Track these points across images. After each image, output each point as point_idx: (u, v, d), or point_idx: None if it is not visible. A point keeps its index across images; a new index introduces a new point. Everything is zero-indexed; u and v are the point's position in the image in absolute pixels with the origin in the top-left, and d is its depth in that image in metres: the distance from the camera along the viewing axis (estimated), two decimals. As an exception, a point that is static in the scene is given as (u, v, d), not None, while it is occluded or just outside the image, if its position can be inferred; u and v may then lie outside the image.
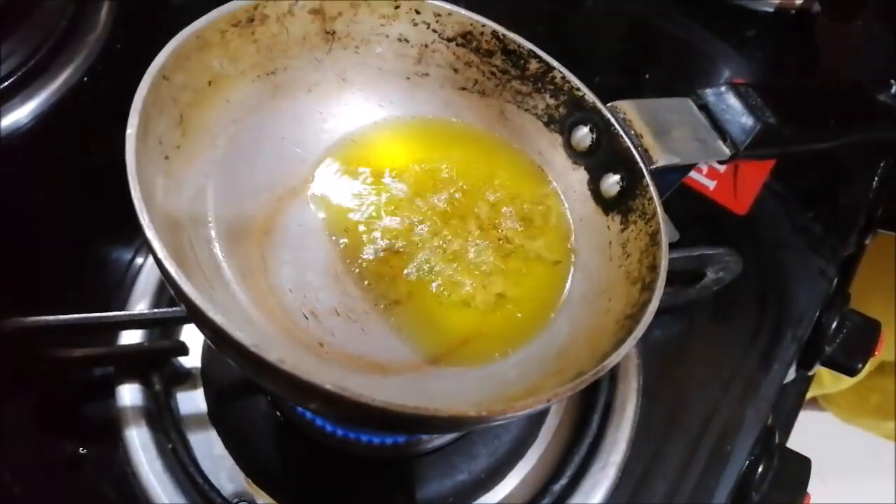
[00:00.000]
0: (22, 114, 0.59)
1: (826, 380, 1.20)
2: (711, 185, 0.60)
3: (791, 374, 0.59)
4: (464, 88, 0.47)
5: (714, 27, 0.70)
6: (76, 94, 0.60)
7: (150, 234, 0.29)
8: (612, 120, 0.42)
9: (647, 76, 0.67)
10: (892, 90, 0.55)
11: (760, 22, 0.71)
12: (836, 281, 0.59)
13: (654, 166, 0.41)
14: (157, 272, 0.53)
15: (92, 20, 0.63)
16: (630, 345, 0.33)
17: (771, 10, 0.72)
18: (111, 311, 0.51)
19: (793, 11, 0.71)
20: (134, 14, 0.64)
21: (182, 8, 0.63)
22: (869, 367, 1.12)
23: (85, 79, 0.60)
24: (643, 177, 0.40)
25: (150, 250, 0.29)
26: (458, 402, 0.37)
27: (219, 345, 0.30)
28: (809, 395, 1.30)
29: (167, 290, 0.53)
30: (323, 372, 0.37)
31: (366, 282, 0.41)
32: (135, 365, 0.49)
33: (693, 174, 0.61)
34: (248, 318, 0.36)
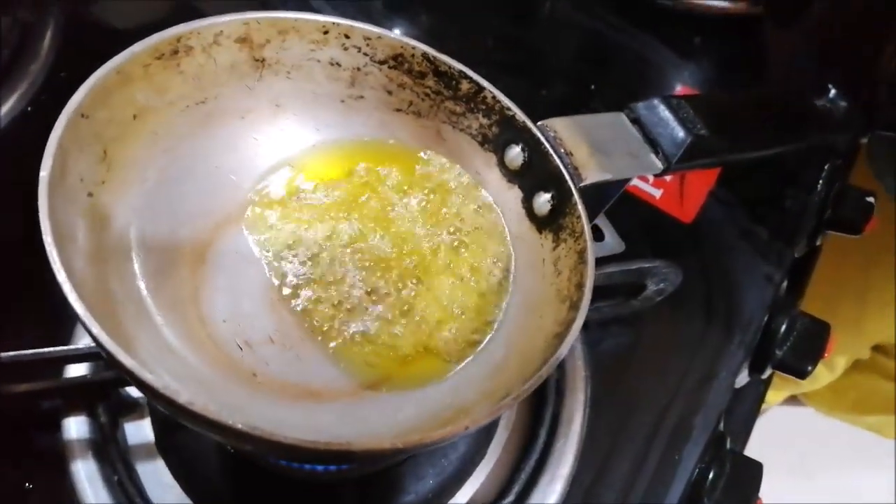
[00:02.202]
0: (-34, 145, 0.58)
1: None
2: (658, 193, 0.61)
3: (744, 379, 0.60)
4: (399, 110, 0.47)
5: (661, 35, 0.71)
6: (20, 123, 0.60)
7: (60, 276, 0.29)
8: (542, 138, 0.42)
9: (593, 87, 0.67)
10: (831, 95, 0.56)
11: (707, 29, 0.72)
12: (784, 284, 0.60)
13: (584, 184, 0.41)
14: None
15: (35, 49, 0.62)
16: (551, 368, 0.33)
17: (718, 16, 0.72)
18: (56, 341, 0.50)
19: (739, 18, 0.72)
20: (77, 42, 0.63)
21: (126, 34, 0.63)
22: (844, 364, 1.13)
23: (29, 108, 0.60)
24: (572, 195, 0.41)
25: (63, 293, 0.29)
26: (393, 427, 0.37)
27: (136, 384, 0.30)
28: (788, 393, 1.32)
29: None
30: (253, 403, 0.37)
31: (300, 309, 0.41)
32: (81, 396, 0.49)
33: (639, 183, 0.61)
34: (175, 354, 0.36)
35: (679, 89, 0.68)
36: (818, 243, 0.67)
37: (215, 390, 0.35)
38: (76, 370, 0.50)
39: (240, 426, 0.27)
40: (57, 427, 0.48)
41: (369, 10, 0.59)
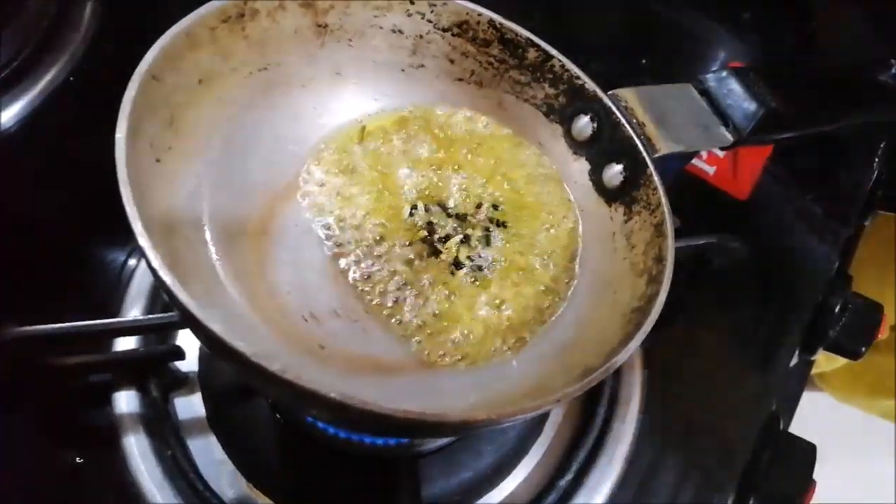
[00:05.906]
0: (7, 116, 0.57)
1: (821, 359, 1.19)
2: (711, 170, 0.60)
3: (794, 359, 0.59)
4: (460, 79, 0.46)
5: (710, 10, 0.69)
6: (62, 95, 0.58)
7: (144, 242, 0.28)
8: (614, 108, 0.41)
9: (644, 62, 0.66)
10: (893, 70, 0.55)
11: (756, 4, 0.70)
12: (837, 264, 0.59)
13: (658, 155, 0.40)
14: (151, 276, 0.52)
15: (76, 19, 0.61)
16: (639, 340, 0.32)
17: (766, -9, 0.71)
18: (104, 315, 0.50)
19: (788, -8, 0.70)
20: (119, 11, 0.62)
21: (169, 4, 0.61)
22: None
23: (71, 79, 0.59)
24: (647, 166, 0.40)
25: (145, 259, 0.28)
26: (462, 401, 0.37)
27: (218, 353, 0.29)
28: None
29: (162, 295, 0.52)
30: (323, 375, 0.36)
31: (359, 283, 0.40)
32: (131, 371, 0.48)
33: (692, 160, 0.60)
34: (246, 322, 0.35)
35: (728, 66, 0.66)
36: (866, 223, 0.66)
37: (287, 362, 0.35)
38: (126, 344, 0.49)
39: (334, 396, 0.26)
40: (107, 401, 0.47)
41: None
